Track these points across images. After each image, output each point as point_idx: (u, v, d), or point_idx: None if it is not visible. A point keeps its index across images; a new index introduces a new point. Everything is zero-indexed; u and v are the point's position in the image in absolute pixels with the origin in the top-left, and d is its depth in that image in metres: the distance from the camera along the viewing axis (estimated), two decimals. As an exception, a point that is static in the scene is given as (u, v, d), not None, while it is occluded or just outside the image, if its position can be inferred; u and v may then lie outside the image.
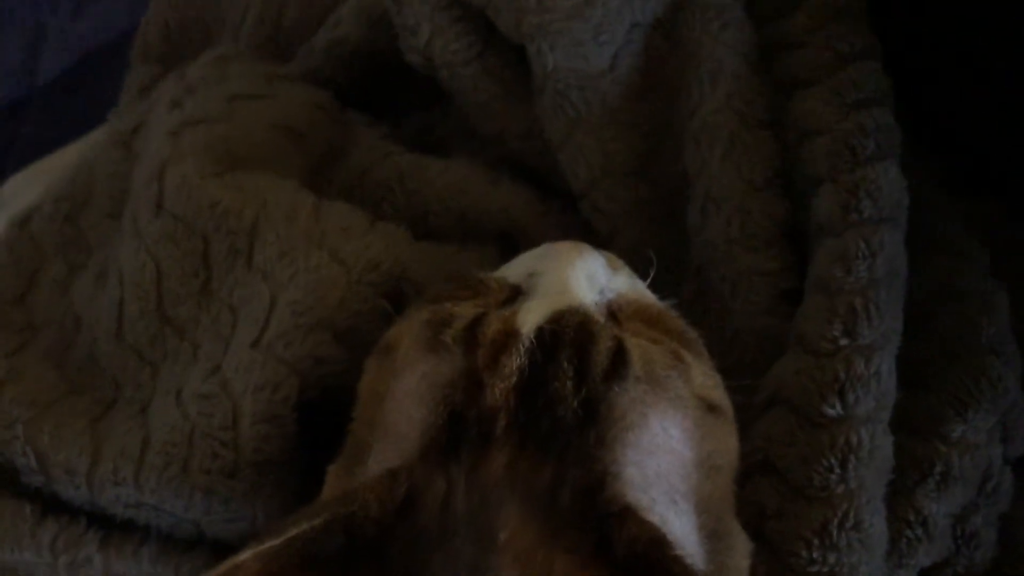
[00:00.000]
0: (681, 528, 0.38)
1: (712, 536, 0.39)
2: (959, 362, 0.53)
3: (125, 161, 0.67)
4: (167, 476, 0.53)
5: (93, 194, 0.68)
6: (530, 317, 0.41)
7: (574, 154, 0.61)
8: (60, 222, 0.67)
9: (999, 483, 0.52)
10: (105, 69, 0.97)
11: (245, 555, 0.36)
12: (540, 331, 0.41)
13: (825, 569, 0.45)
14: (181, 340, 0.58)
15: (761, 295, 0.55)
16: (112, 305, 0.60)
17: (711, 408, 0.42)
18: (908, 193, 0.54)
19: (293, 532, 0.36)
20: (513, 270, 0.48)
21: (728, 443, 0.43)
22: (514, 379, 0.39)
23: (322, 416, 0.55)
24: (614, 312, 0.44)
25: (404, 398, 0.41)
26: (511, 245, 0.64)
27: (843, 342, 0.49)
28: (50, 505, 0.56)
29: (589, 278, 0.45)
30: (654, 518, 0.36)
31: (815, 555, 0.45)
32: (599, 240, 0.62)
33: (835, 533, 0.45)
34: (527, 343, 0.40)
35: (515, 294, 0.45)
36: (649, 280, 0.49)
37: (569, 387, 0.39)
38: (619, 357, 0.39)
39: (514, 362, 0.39)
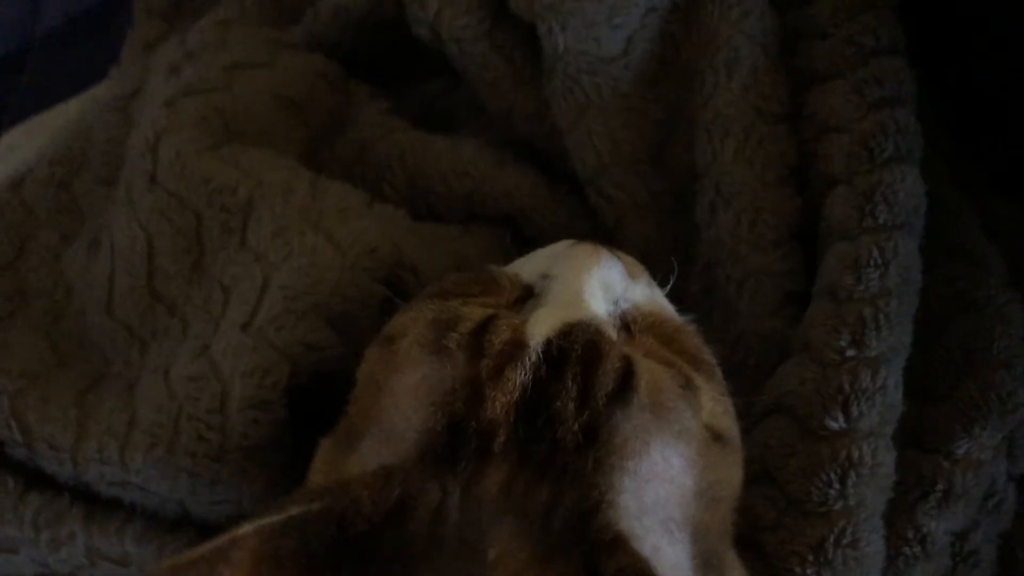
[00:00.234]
0: (675, 557, 0.37)
1: (706, 565, 0.38)
2: (969, 376, 0.52)
3: (122, 126, 0.66)
4: (152, 457, 0.52)
5: (88, 159, 0.66)
6: (539, 328, 0.40)
7: (582, 140, 0.59)
8: (54, 188, 0.65)
9: (1002, 500, 0.51)
10: (107, 23, 0.95)
11: (245, 529, 0.35)
12: (548, 344, 0.39)
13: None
14: (171, 317, 0.56)
15: (767, 297, 0.53)
16: (103, 278, 0.58)
17: (717, 437, 0.40)
18: (927, 197, 0.52)
19: (293, 512, 0.36)
20: (528, 268, 0.46)
21: (731, 473, 0.41)
22: (517, 394, 0.38)
23: (312, 400, 0.54)
24: (628, 324, 0.43)
25: (403, 395, 0.40)
26: (515, 227, 0.63)
27: (850, 353, 0.47)
28: (34, 479, 0.55)
29: (605, 287, 0.43)
30: (647, 547, 0.35)
31: (809, 571, 0.44)
32: (604, 229, 0.61)
33: (831, 550, 0.44)
34: (533, 357, 0.39)
35: (527, 294, 0.44)
36: (668, 287, 0.47)
37: (571, 408, 0.37)
38: (626, 380, 0.38)
39: (518, 376, 0.38)
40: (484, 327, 0.40)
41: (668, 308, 0.46)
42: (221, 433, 0.52)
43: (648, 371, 0.39)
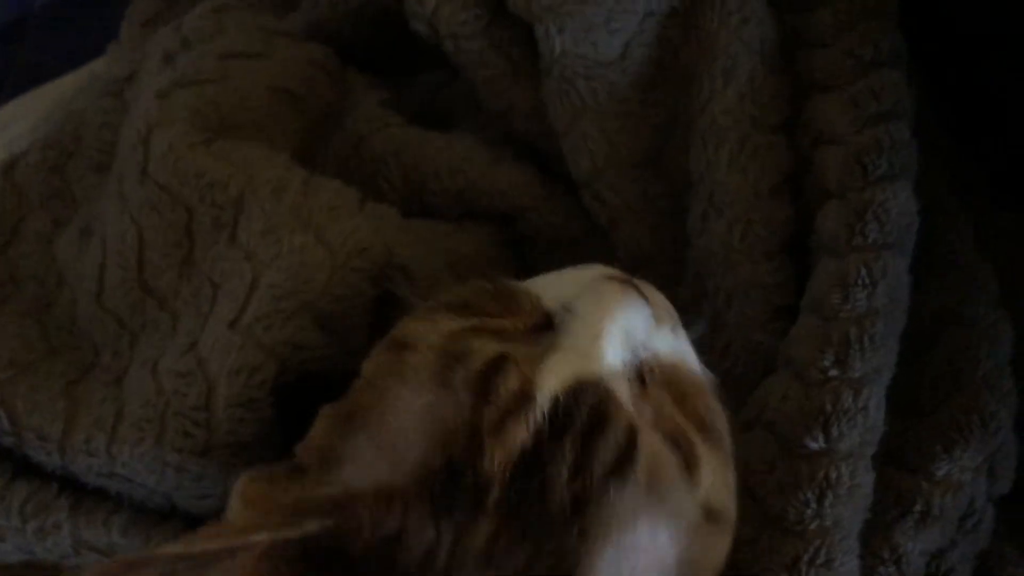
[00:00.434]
0: None
1: None
2: (954, 394, 0.52)
3: (116, 112, 0.65)
4: (139, 451, 0.52)
5: (82, 144, 0.66)
6: (549, 381, 0.39)
7: (578, 142, 0.59)
8: (46, 172, 0.65)
9: (980, 520, 0.51)
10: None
11: (258, 537, 0.36)
12: (555, 401, 0.38)
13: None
14: (161, 310, 0.56)
15: (756, 309, 0.53)
16: (94, 268, 0.58)
17: (711, 515, 0.39)
18: (920, 213, 0.52)
19: (308, 530, 0.37)
20: (551, 292, 0.44)
21: (719, 549, 0.41)
22: (516, 453, 0.37)
23: (300, 399, 0.55)
24: (643, 375, 0.41)
25: (406, 414, 0.40)
26: (510, 225, 0.63)
27: (833, 373, 0.47)
28: (21, 468, 0.55)
29: (627, 334, 0.41)
30: None
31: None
32: (600, 229, 0.61)
33: (804, 569, 0.45)
34: (538, 415, 0.38)
35: (545, 323, 0.42)
36: (696, 337, 0.46)
37: (565, 476, 0.37)
38: (626, 455, 0.37)
39: (520, 434, 0.37)
40: (494, 367, 0.39)
41: (690, 361, 0.44)
42: (207, 430, 0.52)
43: (650, 447, 0.38)
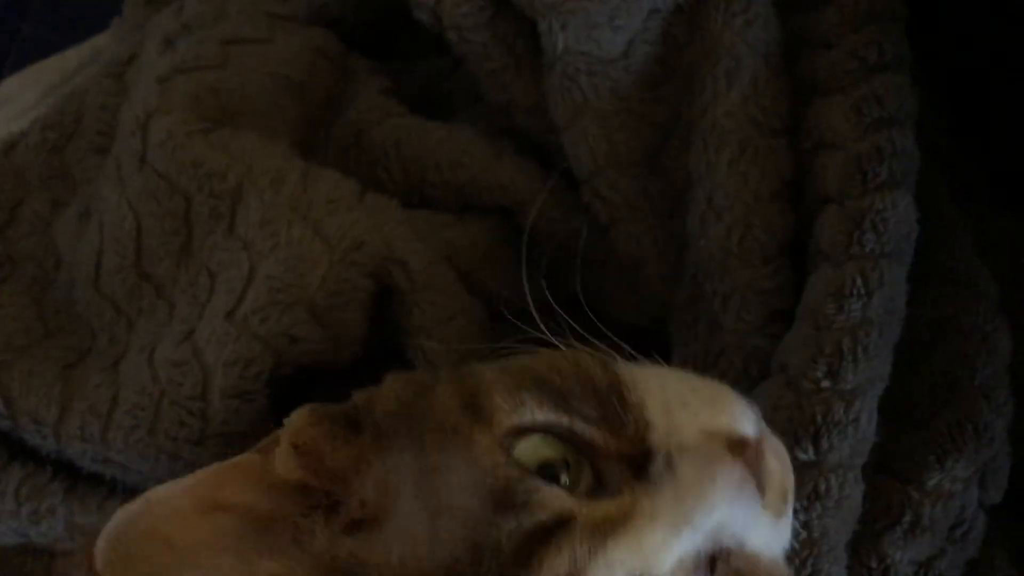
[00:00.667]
0: None
1: None
2: (949, 404, 0.51)
3: (116, 95, 0.65)
4: (133, 439, 0.53)
5: (82, 126, 0.65)
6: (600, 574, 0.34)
7: (578, 139, 0.59)
8: (46, 153, 0.65)
9: (970, 529, 0.51)
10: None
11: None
12: None
13: None
14: (158, 297, 0.56)
15: (753, 313, 0.53)
16: (92, 252, 0.58)
17: None
18: (919, 221, 0.52)
19: None
20: (667, 421, 0.38)
21: None
22: None
23: (296, 392, 0.55)
24: (715, 560, 0.36)
25: (459, 493, 0.36)
26: (510, 219, 0.63)
27: (825, 384, 0.47)
28: (17, 451, 0.56)
29: (718, 527, 0.36)
30: None
31: None
32: (599, 226, 0.60)
33: (791, 579, 0.45)
34: None
35: (641, 460, 0.37)
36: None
37: None
38: None
39: None
40: (548, 534, 0.34)
41: (776, 563, 0.39)
42: (202, 419, 0.52)
43: None
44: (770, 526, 0.38)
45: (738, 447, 0.37)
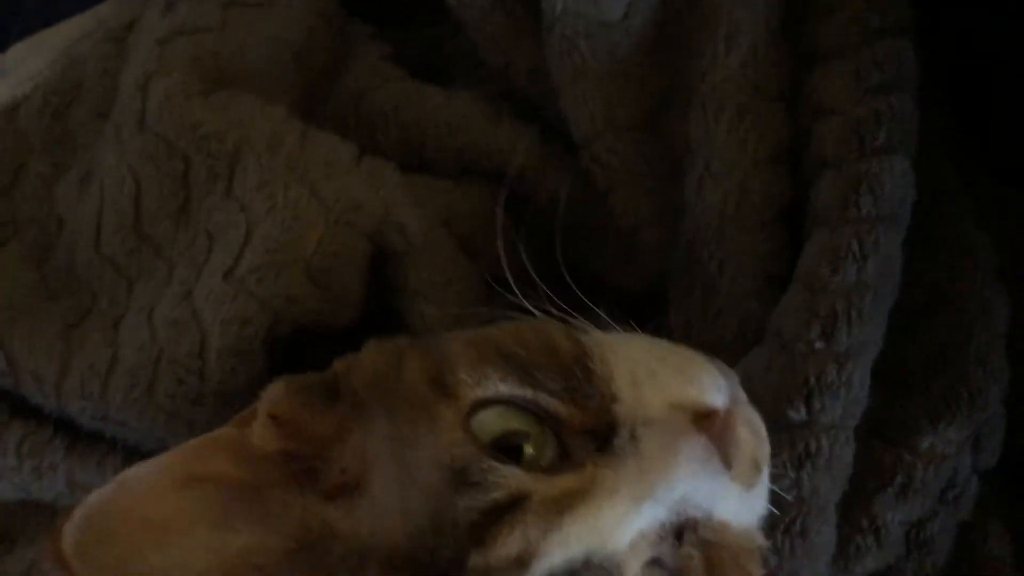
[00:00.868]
0: None
1: None
2: (944, 370, 0.51)
3: (116, 58, 0.65)
4: (132, 397, 0.53)
5: (83, 90, 0.66)
6: (554, 554, 0.34)
7: (577, 103, 0.59)
8: (48, 117, 0.65)
9: (962, 492, 0.52)
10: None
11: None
12: (551, 571, 0.34)
13: (764, 572, 0.45)
14: (157, 258, 0.57)
15: (749, 278, 0.53)
16: (92, 214, 0.59)
17: None
18: (918, 185, 0.52)
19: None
20: (632, 391, 0.38)
21: None
22: None
23: (292, 352, 0.55)
24: (681, 532, 0.37)
25: (428, 468, 0.37)
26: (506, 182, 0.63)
27: (818, 345, 0.47)
28: (19, 409, 0.56)
29: (681, 499, 0.36)
30: None
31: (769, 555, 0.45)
32: (597, 193, 0.60)
33: (779, 537, 0.45)
34: None
35: (606, 432, 0.37)
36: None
37: None
38: None
39: None
40: (501, 514, 0.35)
41: (747, 532, 0.39)
42: (199, 378, 0.53)
43: None
44: (739, 497, 0.38)
45: (704, 419, 0.37)
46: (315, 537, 0.38)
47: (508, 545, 0.34)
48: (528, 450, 0.37)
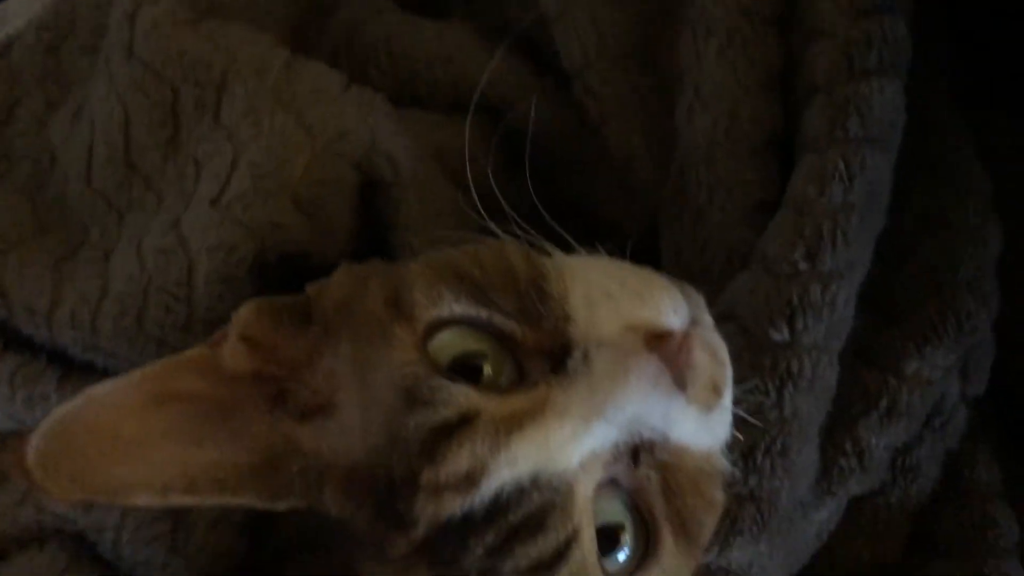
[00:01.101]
0: None
1: None
2: (932, 297, 0.51)
3: (109, -6, 0.65)
4: (122, 326, 0.53)
5: (75, 26, 0.65)
6: (504, 471, 0.35)
7: (568, 31, 0.58)
8: (41, 54, 0.65)
9: (949, 419, 0.51)
10: None
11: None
12: (498, 492, 0.35)
13: (745, 491, 0.45)
14: (147, 189, 0.57)
15: (736, 204, 0.53)
16: (83, 147, 0.59)
17: None
18: (911, 112, 0.51)
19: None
20: (587, 313, 0.38)
21: None
22: (443, 518, 0.35)
23: (279, 280, 0.55)
24: (637, 454, 0.37)
25: (385, 388, 0.37)
26: (500, 119, 0.62)
27: (803, 266, 0.47)
28: (12, 340, 0.57)
29: (634, 419, 0.36)
30: None
31: (736, 475, 0.45)
32: (590, 126, 0.60)
33: (759, 457, 0.45)
34: (475, 503, 0.35)
35: (560, 353, 0.37)
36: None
37: (478, 555, 0.35)
38: (550, 563, 0.35)
39: (451, 508, 0.35)
40: (451, 431, 0.35)
41: (707, 456, 0.39)
42: (188, 305, 0.53)
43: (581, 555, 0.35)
44: (697, 420, 0.38)
45: (658, 340, 0.37)
46: (279, 454, 0.38)
47: (457, 462, 0.35)
48: (487, 370, 0.37)
